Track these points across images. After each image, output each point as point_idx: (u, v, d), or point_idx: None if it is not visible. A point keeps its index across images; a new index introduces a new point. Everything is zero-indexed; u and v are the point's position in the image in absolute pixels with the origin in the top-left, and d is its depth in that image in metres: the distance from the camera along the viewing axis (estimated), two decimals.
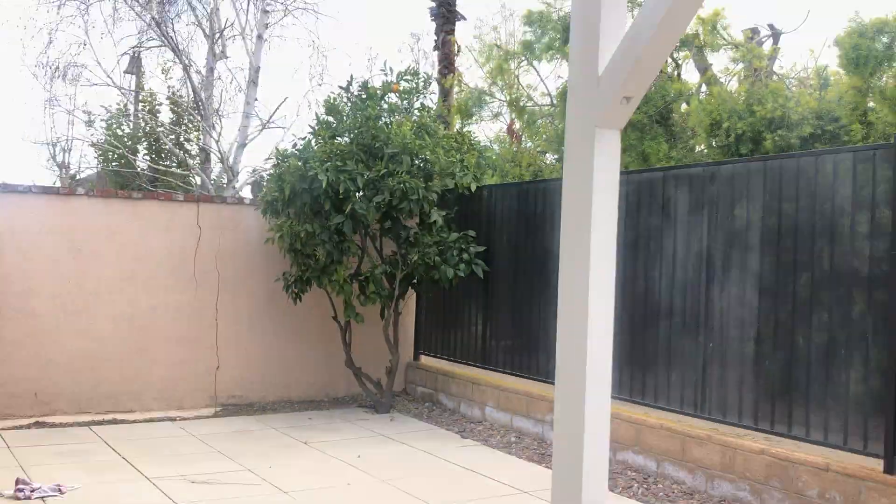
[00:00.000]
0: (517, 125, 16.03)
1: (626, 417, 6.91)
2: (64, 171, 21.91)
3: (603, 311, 3.49)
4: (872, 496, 5.22)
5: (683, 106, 11.77)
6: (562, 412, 3.56)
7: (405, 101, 9.00)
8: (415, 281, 9.11)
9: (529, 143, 15.43)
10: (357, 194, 8.22)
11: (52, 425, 8.08)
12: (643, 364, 6.98)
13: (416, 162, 8.35)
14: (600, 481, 3.53)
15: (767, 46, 14.15)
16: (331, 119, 8.77)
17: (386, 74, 9.01)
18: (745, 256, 6.26)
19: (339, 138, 8.67)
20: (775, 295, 6.03)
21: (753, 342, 6.16)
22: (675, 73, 12.24)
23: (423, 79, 9.12)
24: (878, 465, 5.29)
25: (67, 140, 20.63)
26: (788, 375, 5.89)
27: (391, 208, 8.39)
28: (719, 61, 13.27)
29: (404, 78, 9.03)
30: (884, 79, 9.85)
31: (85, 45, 18.28)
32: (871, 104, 9.96)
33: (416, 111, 9.10)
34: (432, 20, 17.07)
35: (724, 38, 12.32)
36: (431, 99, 10.26)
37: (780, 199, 6.04)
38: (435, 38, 17.19)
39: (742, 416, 6.19)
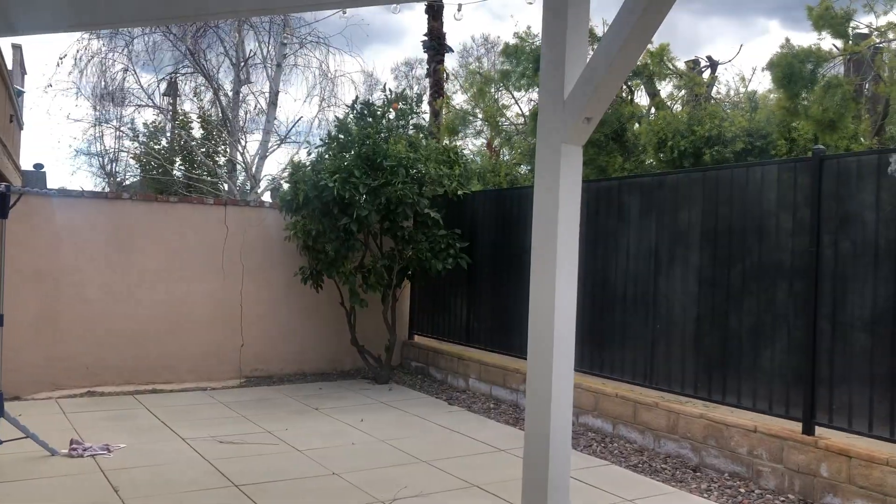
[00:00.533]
0: (496, 141, 16.03)
1: (587, 387, 6.94)
2: (111, 178, 21.74)
3: (568, 297, 3.51)
4: (792, 453, 5.27)
5: (635, 126, 11.78)
6: (533, 382, 3.58)
7: (401, 121, 8.97)
8: (409, 272, 9.11)
9: (506, 156, 15.43)
10: (361, 200, 8.20)
11: (101, 394, 8.04)
12: (601, 342, 7.00)
13: (412, 172, 8.33)
14: (565, 440, 3.55)
15: (706, 75, 14.19)
16: (341, 136, 8.73)
17: (387, 96, 8.99)
18: (687, 252, 6.28)
19: (345, 153, 8.64)
20: (712, 284, 6.06)
21: (694, 323, 6.18)
22: (629, 97, 12.25)
23: (414, 99, 9.10)
24: (797, 427, 5.33)
25: (114, 152, 20.49)
26: (723, 352, 5.92)
27: (389, 212, 8.37)
28: (665, 88, 13.31)
29: (400, 99, 9.01)
30: (807, 100, 9.91)
31: (128, 70, 18.21)
32: (794, 124, 10.01)
33: (411, 126, 9.08)
34: (425, 52, 17.01)
35: (670, 69, 12.36)
36: (423, 118, 10.21)
37: (716, 203, 6.06)
38: (427, 66, 17.14)
39: (684, 386, 6.22)
